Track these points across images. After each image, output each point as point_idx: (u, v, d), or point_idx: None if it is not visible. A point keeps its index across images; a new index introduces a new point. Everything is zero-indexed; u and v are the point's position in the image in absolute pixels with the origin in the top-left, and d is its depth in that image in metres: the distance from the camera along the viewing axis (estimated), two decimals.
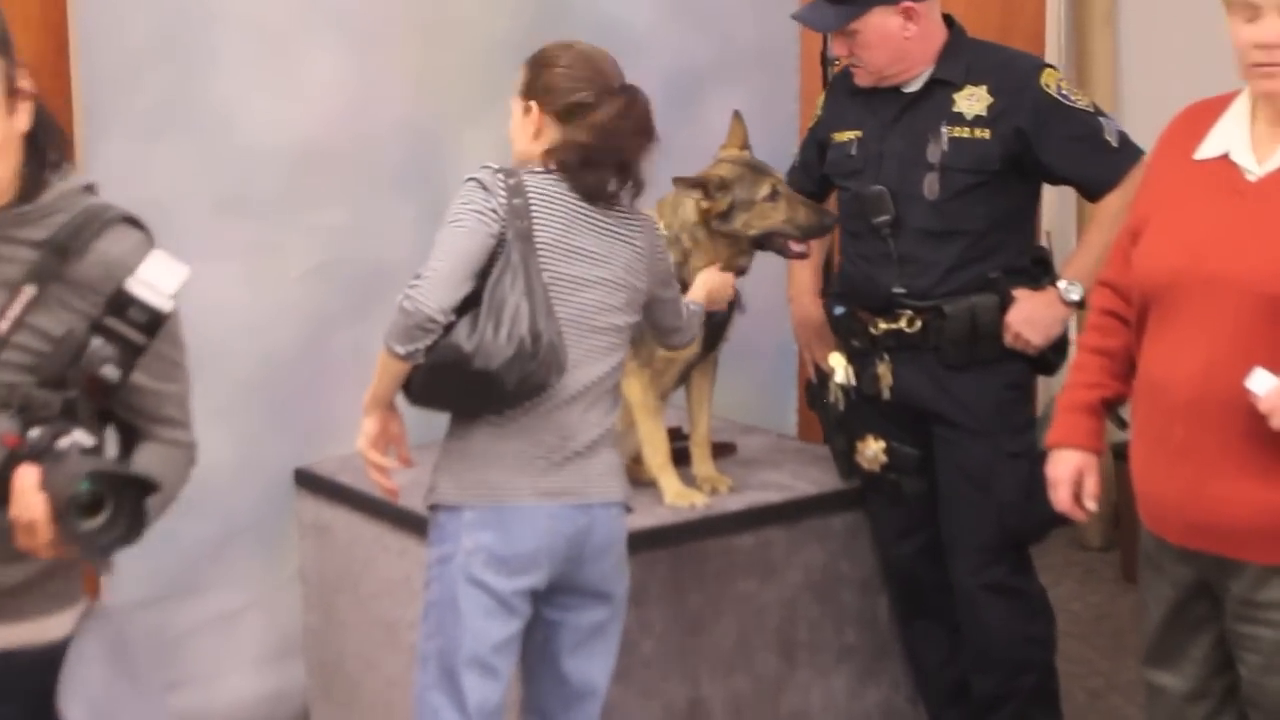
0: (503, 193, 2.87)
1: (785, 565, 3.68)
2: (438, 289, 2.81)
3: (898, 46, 3.49)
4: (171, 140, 3.85)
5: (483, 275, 2.85)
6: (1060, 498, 2.92)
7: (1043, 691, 3.61)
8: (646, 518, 3.50)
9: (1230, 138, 2.72)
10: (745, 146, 3.66)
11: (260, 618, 4.11)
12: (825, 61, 4.45)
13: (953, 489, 3.56)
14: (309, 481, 3.99)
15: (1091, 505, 2.93)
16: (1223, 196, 2.69)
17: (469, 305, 2.85)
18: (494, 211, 2.85)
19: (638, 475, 3.65)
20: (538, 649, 2.99)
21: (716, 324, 3.61)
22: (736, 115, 3.71)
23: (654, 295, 3.10)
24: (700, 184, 3.55)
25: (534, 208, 2.89)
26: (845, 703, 3.79)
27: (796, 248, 3.54)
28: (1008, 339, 3.49)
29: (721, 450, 3.95)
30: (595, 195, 2.95)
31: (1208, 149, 2.74)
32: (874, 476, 3.64)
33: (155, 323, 2.22)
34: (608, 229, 2.97)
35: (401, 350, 2.82)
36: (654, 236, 3.11)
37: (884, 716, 3.86)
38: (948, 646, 3.70)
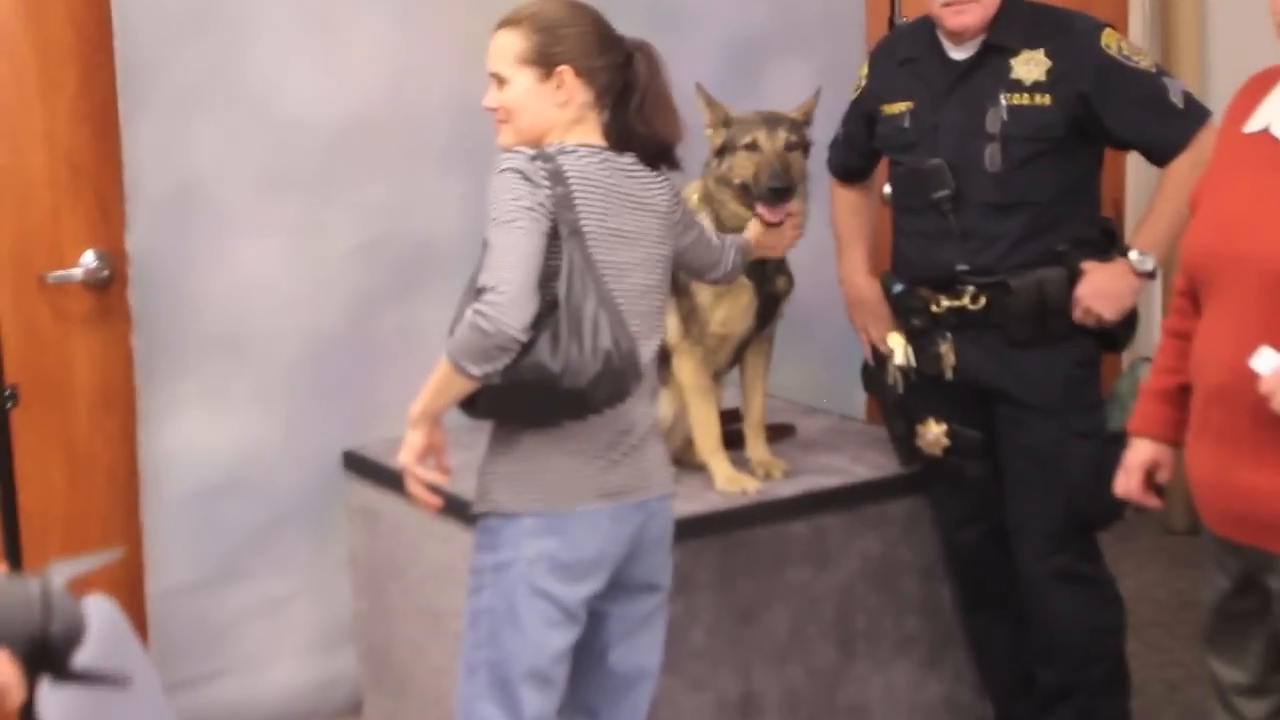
0: (546, 182, 2.67)
1: (841, 553, 3.52)
2: (516, 305, 2.57)
3: None
4: (211, 116, 3.75)
5: (543, 277, 2.65)
6: (1128, 485, 2.79)
7: (1112, 683, 3.43)
8: (696, 504, 3.36)
9: (1274, 110, 2.55)
10: (808, 121, 3.47)
11: (310, 604, 4.02)
12: (893, 27, 4.30)
13: (1019, 472, 3.39)
14: (357, 464, 3.88)
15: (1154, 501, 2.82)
16: (1260, 172, 2.53)
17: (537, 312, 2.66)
18: (541, 205, 2.65)
19: (690, 459, 3.52)
20: (584, 643, 2.84)
21: (769, 298, 3.46)
22: (816, 94, 3.51)
23: (678, 248, 2.95)
24: (710, 104, 3.44)
25: (576, 195, 2.70)
26: (906, 695, 3.63)
27: (761, 209, 3.31)
28: (1077, 314, 3.31)
29: (779, 432, 3.80)
30: (655, 160, 2.83)
31: (1254, 122, 2.58)
32: (935, 460, 3.47)
33: None
34: (638, 201, 2.81)
35: (477, 371, 2.61)
36: (671, 193, 2.92)
37: (947, 709, 3.70)
38: (1014, 636, 3.53)
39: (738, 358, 3.57)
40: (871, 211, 3.77)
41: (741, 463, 3.53)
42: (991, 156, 3.31)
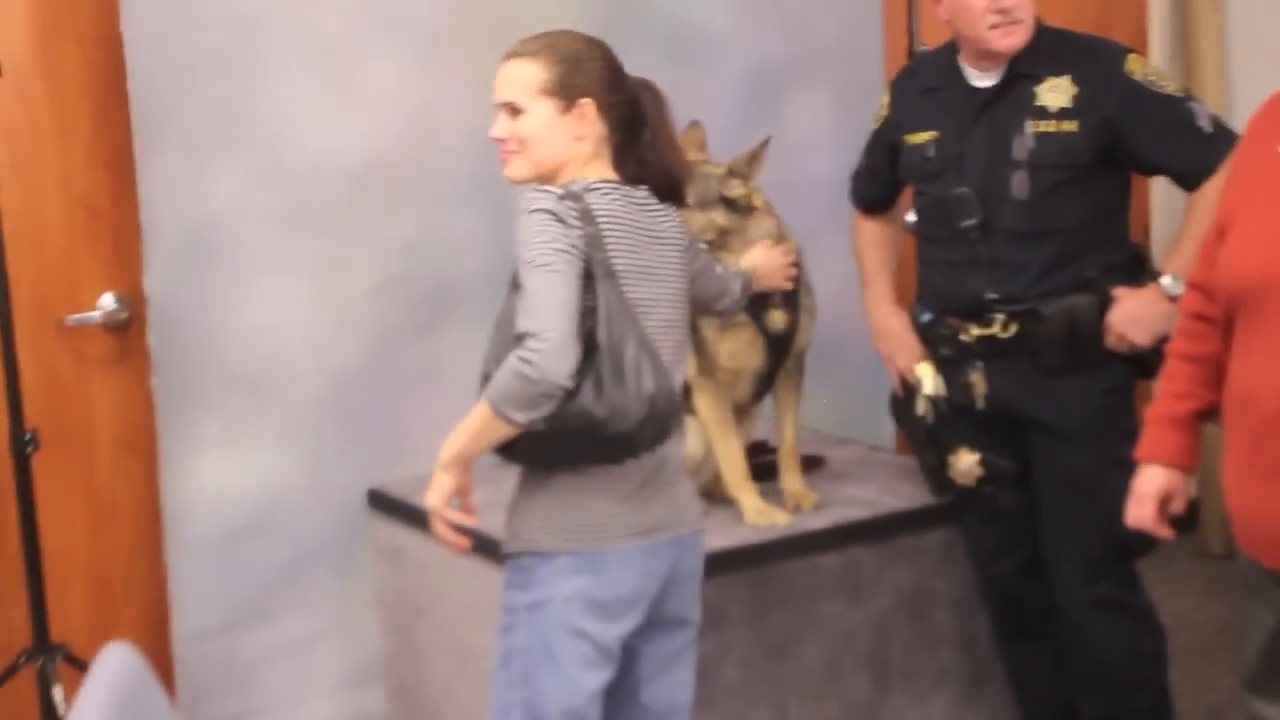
0: (577, 223, 2.61)
1: (874, 585, 3.46)
2: (561, 352, 2.51)
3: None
4: (227, 155, 3.72)
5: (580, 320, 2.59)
6: (1142, 514, 2.73)
7: (1156, 712, 3.38)
8: (726, 538, 3.32)
9: None
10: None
11: (337, 643, 3.98)
12: (912, 55, 4.26)
13: (1054, 501, 3.34)
14: (382, 503, 3.84)
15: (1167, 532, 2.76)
16: None
17: None
18: (575, 247, 2.59)
19: (719, 493, 3.48)
20: (616, 680, 2.78)
21: (780, 337, 3.42)
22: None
23: (692, 279, 2.90)
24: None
25: (605, 233, 2.65)
26: None
27: None
28: (1110, 340, 3.26)
29: (810, 464, 3.76)
30: (667, 195, 2.81)
31: None
32: (968, 491, 3.42)
33: None
34: (657, 235, 2.77)
35: (522, 419, 2.54)
36: (681, 225, 2.88)
37: None
38: (1053, 667, 3.47)
39: (763, 390, 3.52)
40: (895, 242, 3.72)
41: (775, 494, 3.48)
42: (1019, 184, 3.26)
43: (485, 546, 3.24)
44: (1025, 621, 3.50)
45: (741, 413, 3.54)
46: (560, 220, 2.60)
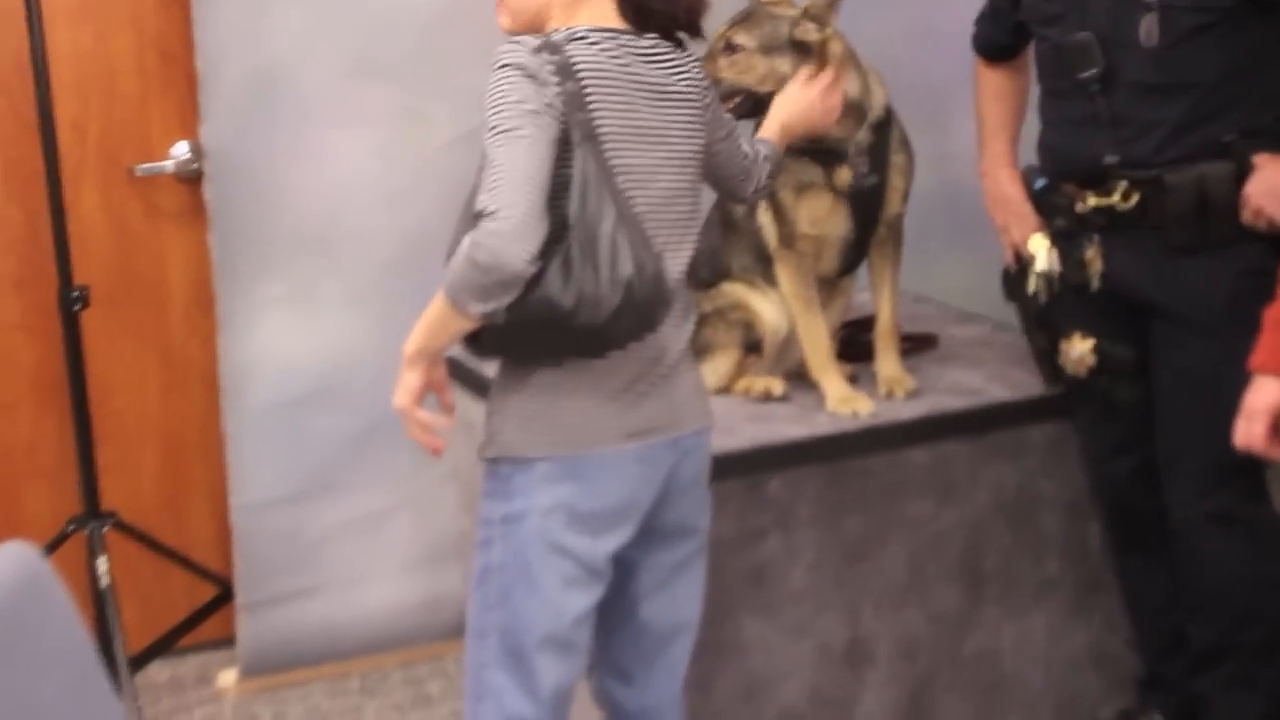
0: (554, 79, 2.22)
1: (969, 484, 3.06)
2: (521, 234, 2.13)
3: None
4: None
5: (552, 193, 2.21)
6: (1251, 433, 2.33)
7: (1274, 648, 2.93)
8: (799, 426, 2.96)
9: None
10: (805, 10, 2.96)
11: (409, 520, 3.76)
12: None
13: (1173, 398, 2.88)
14: (458, 371, 3.55)
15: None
16: None
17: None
18: (550, 107, 2.20)
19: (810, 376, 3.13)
20: (611, 597, 2.44)
21: (866, 199, 3.02)
22: None
23: (708, 144, 2.49)
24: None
25: (588, 90, 2.25)
26: (1045, 645, 3.17)
27: None
28: (1246, 215, 2.77)
29: (919, 343, 3.38)
30: (679, 34, 2.40)
31: None
32: (1081, 381, 3.00)
33: None
34: (662, 90, 2.36)
35: (477, 310, 2.18)
36: (697, 72, 2.46)
37: (1094, 662, 3.23)
38: (1171, 585, 3.05)
39: (859, 259, 3.14)
40: (1021, 96, 3.25)
41: (872, 378, 3.13)
42: (1148, 29, 2.78)
43: None
44: (1140, 531, 3.06)
45: (831, 286, 3.17)
46: (532, 77, 2.21)
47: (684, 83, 2.40)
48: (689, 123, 2.40)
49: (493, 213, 2.13)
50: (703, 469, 2.49)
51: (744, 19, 2.95)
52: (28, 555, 1.97)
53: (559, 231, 2.21)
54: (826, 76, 2.88)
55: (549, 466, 2.33)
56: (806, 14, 2.90)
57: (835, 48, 2.91)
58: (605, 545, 2.36)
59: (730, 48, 2.93)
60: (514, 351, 2.36)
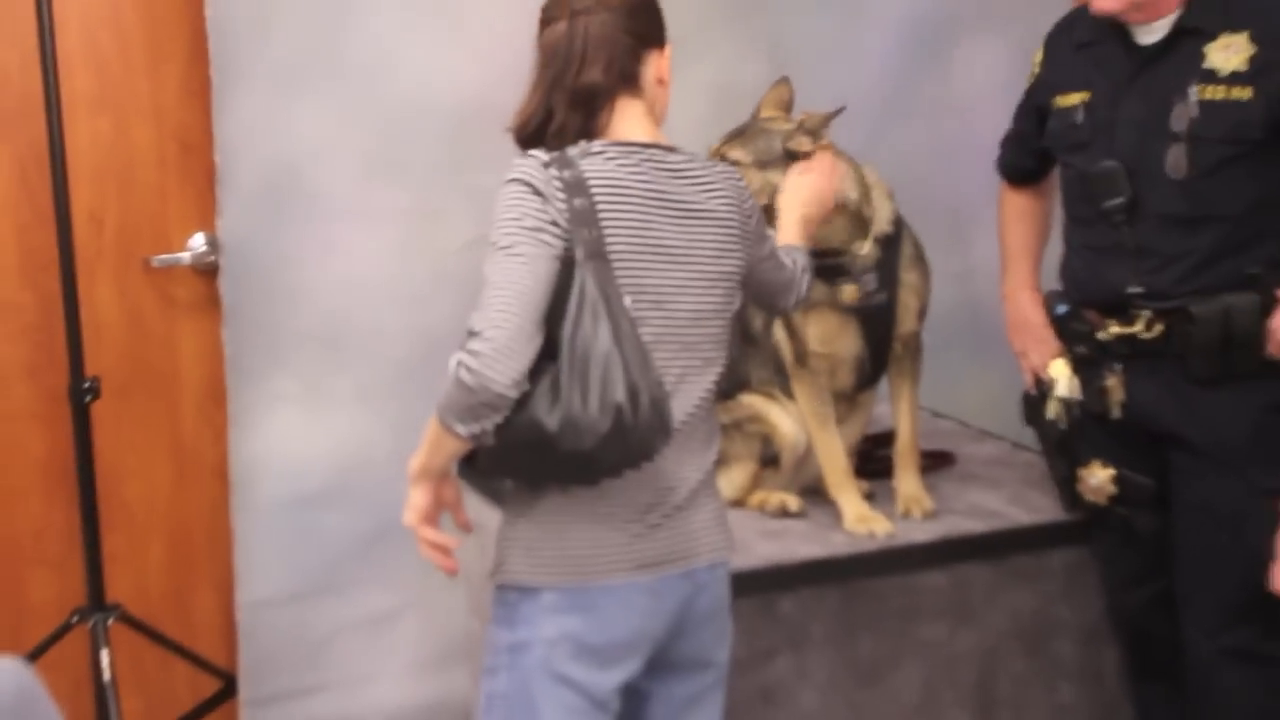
0: (560, 195, 2.19)
1: (986, 608, 3.02)
2: (506, 355, 2.10)
3: None
4: (314, 93, 3.41)
5: (551, 312, 2.18)
6: None
7: None
8: (815, 545, 2.93)
9: None
10: (784, 110, 2.99)
11: (418, 620, 3.70)
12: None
13: (1192, 530, 2.85)
14: (468, 474, 3.52)
15: None
16: None
17: (541, 354, 2.18)
18: (554, 225, 2.18)
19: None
20: None
21: (876, 317, 2.99)
22: (782, 80, 3.03)
23: (751, 262, 2.45)
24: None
25: (600, 206, 2.21)
26: None
27: None
28: (1271, 348, 2.74)
29: (937, 461, 3.34)
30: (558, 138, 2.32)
31: None
32: (1100, 509, 2.97)
33: None
34: (687, 206, 2.31)
35: (464, 431, 2.16)
36: (738, 189, 2.41)
37: None
38: (1187, 716, 3.00)
39: (876, 375, 3.11)
40: (1044, 219, 3.24)
41: (889, 495, 3.11)
42: (1175, 160, 2.77)
43: None
44: (1157, 660, 3.01)
45: (850, 401, 3.13)
46: (537, 192, 2.20)
47: (717, 200, 2.36)
48: (722, 241, 2.36)
49: (479, 332, 2.12)
50: (721, 601, 2.44)
51: (739, 135, 2.94)
52: (18, 670, 2.00)
53: (553, 351, 2.17)
54: (824, 157, 2.86)
55: (555, 597, 2.29)
56: (802, 127, 2.89)
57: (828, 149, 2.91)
58: (612, 678, 2.31)
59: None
60: (507, 475, 2.32)
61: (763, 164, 2.87)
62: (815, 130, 2.87)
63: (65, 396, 3.37)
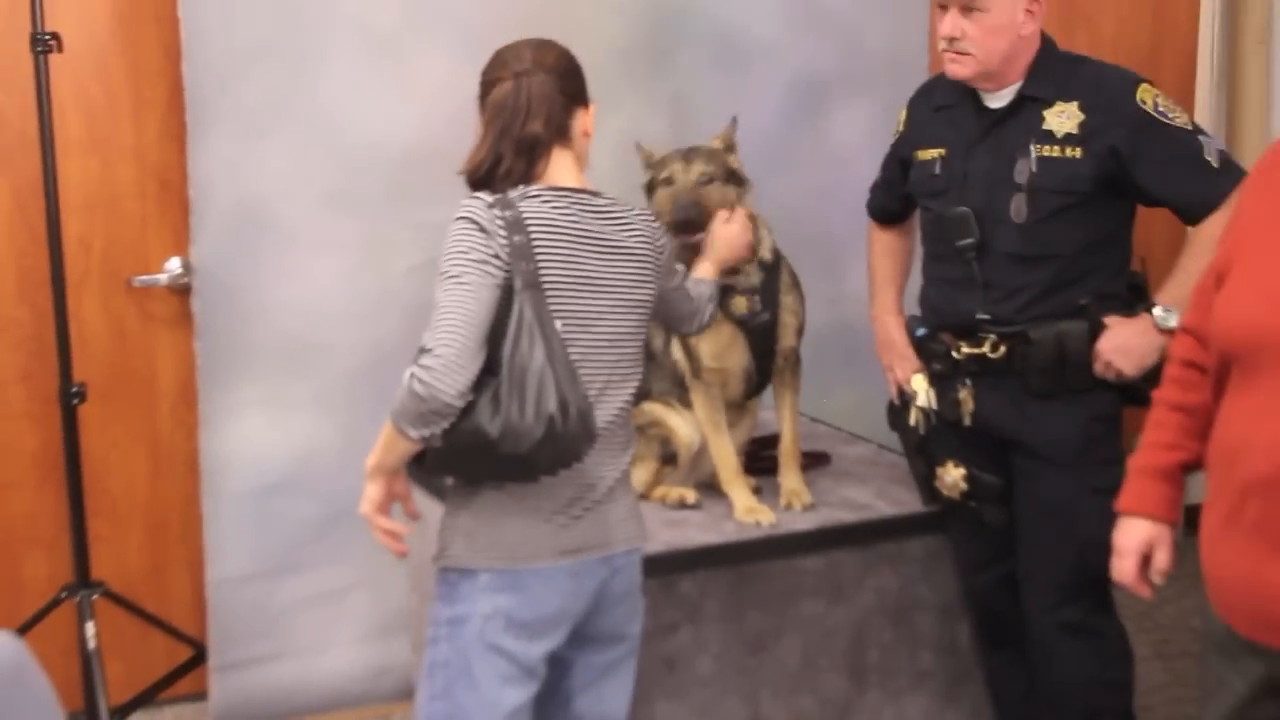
0: (502, 232, 2.23)
1: (856, 588, 3.06)
2: (453, 369, 2.14)
3: (1012, 42, 2.81)
4: (278, 137, 3.41)
5: (493, 334, 2.21)
6: (1123, 569, 2.28)
7: None
8: (710, 534, 2.96)
9: None
10: (728, 148, 3.05)
11: (365, 596, 3.70)
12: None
13: (1030, 522, 2.91)
14: (410, 471, 3.51)
15: (1158, 580, 2.29)
16: None
17: (483, 370, 2.22)
18: (496, 258, 2.21)
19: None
20: (548, 690, 2.42)
21: (761, 334, 3.03)
22: (734, 120, 3.07)
23: (660, 294, 2.50)
24: (640, 149, 3.05)
25: (536, 243, 2.25)
26: None
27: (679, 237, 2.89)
28: (1098, 368, 2.81)
29: (815, 460, 3.38)
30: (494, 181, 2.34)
31: None
32: (954, 503, 3.01)
33: None
34: (609, 243, 2.36)
35: (414, 435, 2.20)
36: (650, 229, 2.46)
37: None
38: (1028, 680, 3.04)
39: (762, 385, 3.15)
40: (907, 254, 3.28)
41: (775, 489, 3.13)
42: (1018, 207, 2.83)
43: None
44: (1003, 632, 3.07)
45: (739, 408, 3.17)
46: (482, 229, 2.23)
47: (635, 239, 2.40)
48: (637, 273, 2.40)
49: (430, 349, 2.16)
50: (634, 583, 2.47)
51: (694, 155, 2.99)
52: (10, 643, 1.98)
53: (494, 367, 2.21)
54: (742, 213, 2.93)
55: (490, 578, 2.32)
56: (725, 145, 2.97)
57: (745, 173, 3.01)
58: (539, 648, 2.34)
59: (706, 180, 2.96)
60: (453, 473, 2.35)
61: (725, 179, 2.97)
62: (732, 144, 3.01)
63: (56, 399, 3.36)
